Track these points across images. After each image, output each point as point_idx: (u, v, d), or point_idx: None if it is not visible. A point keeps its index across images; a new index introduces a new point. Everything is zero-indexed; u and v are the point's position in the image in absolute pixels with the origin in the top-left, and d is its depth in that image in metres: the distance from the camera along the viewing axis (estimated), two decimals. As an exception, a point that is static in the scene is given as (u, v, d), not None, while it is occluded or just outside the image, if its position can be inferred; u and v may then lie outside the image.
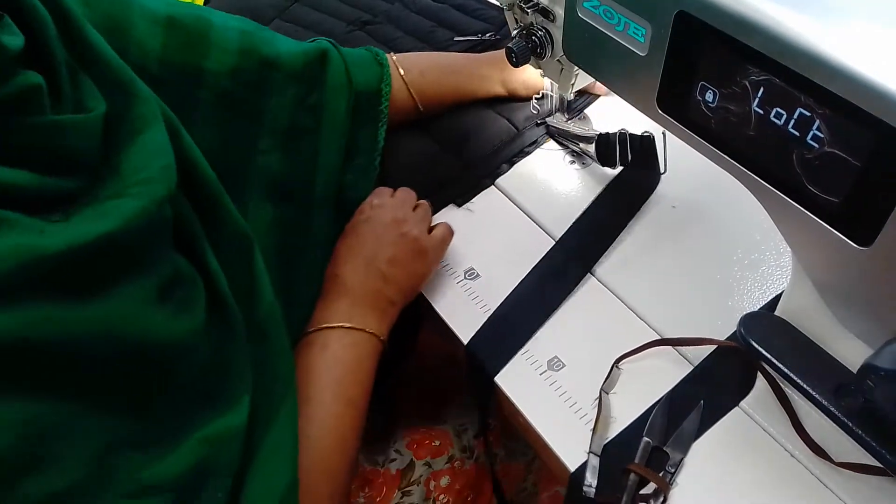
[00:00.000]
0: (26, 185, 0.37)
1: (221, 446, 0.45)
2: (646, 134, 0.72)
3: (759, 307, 0.64)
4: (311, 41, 0.73)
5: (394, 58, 0.79)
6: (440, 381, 0.88)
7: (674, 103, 0.49)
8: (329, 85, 0.70)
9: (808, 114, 0.39)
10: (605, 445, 0.58)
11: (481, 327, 0.67)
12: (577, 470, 0.58)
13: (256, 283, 0.55)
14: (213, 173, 0.54)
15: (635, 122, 0.72)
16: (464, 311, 0.69)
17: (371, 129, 0.75)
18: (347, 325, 0.62)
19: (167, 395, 0.43)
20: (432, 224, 0.73)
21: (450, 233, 0.72)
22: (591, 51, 0.55)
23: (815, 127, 0.39)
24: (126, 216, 0.41)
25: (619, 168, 0.76)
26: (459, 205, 0.78)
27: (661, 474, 0.56)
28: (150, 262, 0.43)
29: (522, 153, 0.82)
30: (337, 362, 0.60)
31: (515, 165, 0.81)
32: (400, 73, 0.79)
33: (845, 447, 0.53)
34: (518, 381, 0.63)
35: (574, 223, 0.73)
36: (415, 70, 0.80)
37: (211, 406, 0.46)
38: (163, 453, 0.41)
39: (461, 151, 0.81)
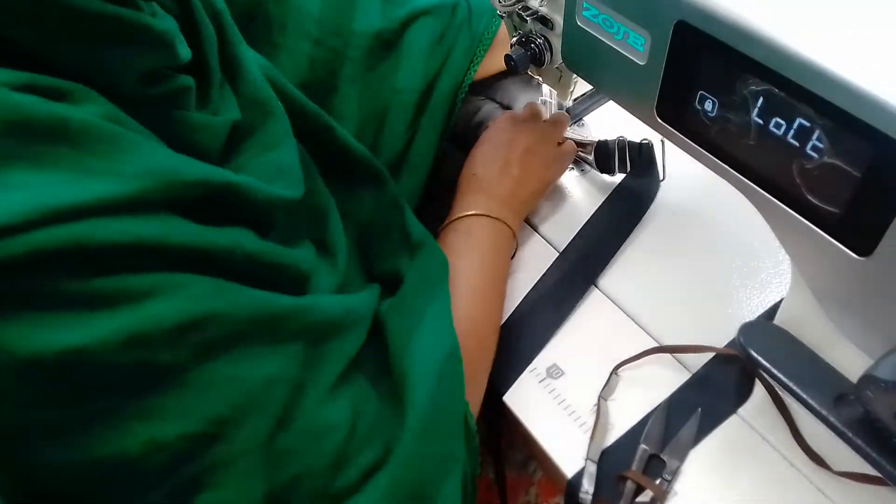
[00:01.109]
0: None
1: (349, 314, 0.50)
2: (644, 141, 0.72)
3: (757, 315, 0.64)
4: None
5: None
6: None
7: (673, 112, 0.49)
8: (455, 31, 0.75)
9: (808, 124, 0.39)
10: (602, 452, 0.58)
11: None
12: (574, 476, 0.58)
13: (406, 222, 0.64)
14: (367, 152, 0.63)
15: (634, 129, 0.72)
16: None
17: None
18: (487, 214, 0.67)
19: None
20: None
21: (574, 149, 0.77)
22: (590, 59, 0.55)
23: (814, 137, 0.39)
24: (248, 181, 0.44)
25: (618, 175, 0.76)
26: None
27: (657, 482, 0.56)
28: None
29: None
30: (480, 244, 0.66)
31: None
32: None
33: (844, 456, 0.52)
34: (517, 389, 0.63)
35: (576, 236, 0.73)
36: None
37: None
38: (307, 307, 0.45)
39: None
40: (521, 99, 0.83)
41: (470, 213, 0.67)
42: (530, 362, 0.65)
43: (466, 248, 0.65)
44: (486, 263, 0.65)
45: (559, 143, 0.76)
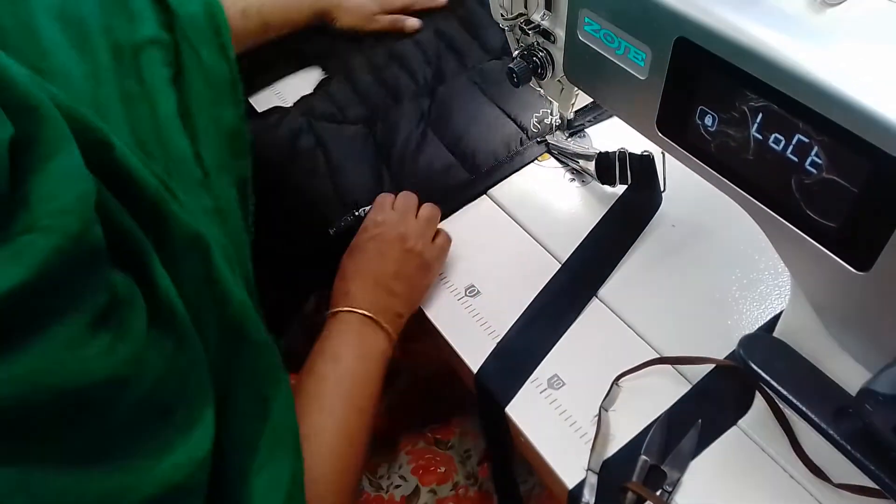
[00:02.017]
0: None
1: (187, 476, 0.43)
2: (645, 153, 0.72)
3: (757, 327, 0.65)
4: None
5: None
6: (440, 398, 0.88)
7: (673, 127, 0.49)
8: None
9: (807, 140, 0.39)
10: (603, 463, 0.59)
11: (489, 357, 0.67)
12: (575, 487, 0.58)
13: (220, 283, 0.51)
14: (154, 180, 0.50)
15: (635, 141, 0.72)
16: (469, 334, 0.69)
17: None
18: (357, 340, 0.64)
19: (118, 428, 0.40)
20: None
21: (448, 241, 0.74)
22: (591, 73, 0.55)
23: (813, 153, 0.39)
24: (38, 260, 0.36)
25: (619, 186, 0.77)
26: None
27: (658, 493, 0.56)
28: (77, 298, 0.39)
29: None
30: (348, 374, 0.62)
31: (515, 181, 0.82)
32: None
33: (844, 468, 0.52)
34: (518, 400, 0.64)
35: (579, 247, 0.73)
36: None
37: (172, 424, 0.44)
38: (125, 489, 0.39)
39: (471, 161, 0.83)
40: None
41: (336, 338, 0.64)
42: (532, 373, 0.65)
43: (333, 378, 0.61)
44: (354, 394, 0.61)
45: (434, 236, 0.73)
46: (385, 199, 0.75)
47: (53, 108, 0.44)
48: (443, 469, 0.74)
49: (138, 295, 0.44)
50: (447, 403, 0.85)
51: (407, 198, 0.75)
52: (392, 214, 0.72)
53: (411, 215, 0.73)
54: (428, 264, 0.71)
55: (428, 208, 0.74)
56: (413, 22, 0.98)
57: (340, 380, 0.62)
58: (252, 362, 0.52)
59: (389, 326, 0.66)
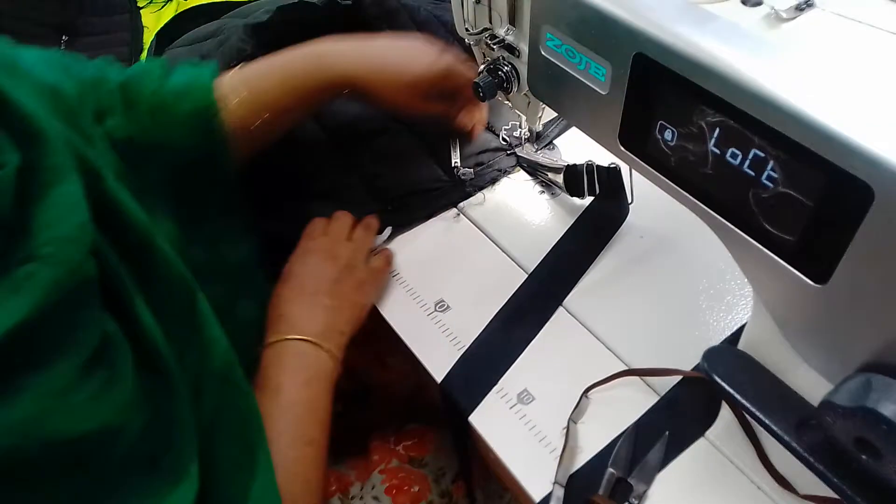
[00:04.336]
0: None
1: None
2: (612, 165, 0.73)
3: (724, 337, 0.65)
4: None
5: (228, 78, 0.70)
6: (414, 414, 0.87)
7: (635, 141, 0.49)
8: None
9: (763, 155, 0.40)
10: (570, 476, 0.58)
11: (455, 365, 0.67)
12: (541, 501, 0.57)
13: (205, 330, 0.51)
14: (143, 216, 0.49)
15: (603, 153, 0.72)
16: (436, 347, 0.69)
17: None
18: (297, 365, 0.62)
19: (107, 479, 0.40)
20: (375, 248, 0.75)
21: (387, 263, 0.74)
22: (554, 88, 0.56)
23: (769, 168, 0.40)
24: (38, 295, 0.36)
25: (588, 198, 0.77)
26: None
27: (625, 506, 0.56)
28: (71, 337, 0.39)
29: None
30: (292, 404, 0.59)
31: (485, 194, 0.82)
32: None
33: (810, 479, 0.53)
34: (488, 415, 0.63)
35: (545, 257, 0.73)
36: (243, 89, 0.69)
37: (159, 475, 0.43)
38: None
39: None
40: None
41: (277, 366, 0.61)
42: (497, 382, 0.65)
43: (277, 410, 0.58)
44: (301, 423, 0.58)
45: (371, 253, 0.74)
46: (316, 223, 0.74)
47: (57, 133, 0.44)
48: (416, 488, 0.74)
49: (126, 342, 0.43)
50: (423, 421, 0.84)
51: (339, 219, 0.74)
52: (322, 239, 0.72)
53: (342, 237, 0.73)
54: (362, 282, 0.70)
55: (361, 227, 0.74)
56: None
57: (284, 412, 0.58)
58: (238, 412, 0.52)
59: (331, 345, 0.64)
